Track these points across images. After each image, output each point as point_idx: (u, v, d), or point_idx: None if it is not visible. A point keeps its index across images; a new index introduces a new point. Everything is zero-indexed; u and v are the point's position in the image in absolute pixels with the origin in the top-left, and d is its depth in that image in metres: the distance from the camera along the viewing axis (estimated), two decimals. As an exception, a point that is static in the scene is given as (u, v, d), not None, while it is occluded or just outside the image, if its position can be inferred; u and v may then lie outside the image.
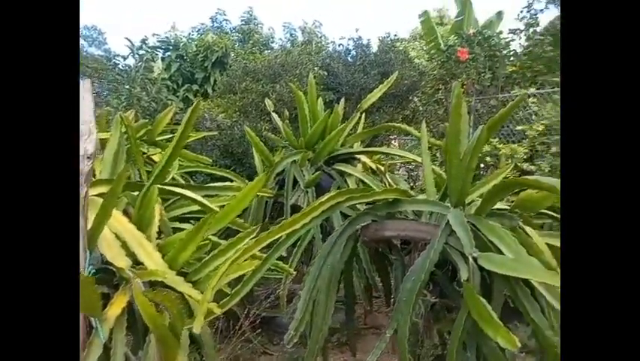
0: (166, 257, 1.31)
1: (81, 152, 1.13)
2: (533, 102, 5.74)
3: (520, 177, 2.19)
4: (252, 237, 1.53)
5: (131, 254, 1.29)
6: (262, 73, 5.47)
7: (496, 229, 1.41)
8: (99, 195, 1.67)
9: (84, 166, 1.11)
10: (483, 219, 1.47)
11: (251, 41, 8.34)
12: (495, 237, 1.38)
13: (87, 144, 1.12)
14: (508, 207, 1.65)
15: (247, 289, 1.31)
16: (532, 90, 5.98)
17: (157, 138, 3.66)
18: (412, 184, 4.42)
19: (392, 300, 1.82)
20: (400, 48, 6.56)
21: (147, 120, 3.68)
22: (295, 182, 2.83)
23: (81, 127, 1.15)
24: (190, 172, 3.24)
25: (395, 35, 6.63)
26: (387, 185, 2.76)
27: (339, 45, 6.42)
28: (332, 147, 2.77)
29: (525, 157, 5.18)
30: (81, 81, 1.19)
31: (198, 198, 2.01)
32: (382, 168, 2.89)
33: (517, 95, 5.95)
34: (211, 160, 4.77)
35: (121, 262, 1.24)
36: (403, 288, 1.41)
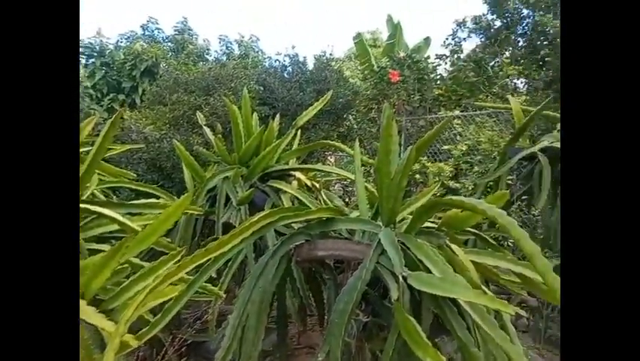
0: (75, 286, 1.18)
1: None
2: (458, 124, 6.16)
3: (446, 195, 2.31)
4: (176, 260, 1.43)
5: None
6: (195, 85, 5.31)
7: (424, 248, 1.46)
8: None
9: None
10: (412, 238, 1.51)
11: (185, 52, 8.08)
12: (423, 255, 1.43)
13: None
14: (435, 226, 1.72)
15: (168, 318, 1.21)
16: (457, 112, 6.43)
17: (74, 151, 3.37)
18: (347, 200, 4.50)
19: (326, 319, 1.80)
20: (335, 67, 6.74)
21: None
22: (228, 199, 2.73)
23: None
24: (113, 187, 3.01)
25: (330, 54, 6.81)
26: (322, 202, 2.77)
27: (275, 61, 6.45)
28: (266, 163, 2.73)
29: (451, 175, 5.52)
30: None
31: (118, 216, 1.86)
32: (317, 185, 2.90)
33: (444, 117, 6.36)
34: (136, 175, 4.51)
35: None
36: (336, 309, 1.39)
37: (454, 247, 1.63)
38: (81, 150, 3.55)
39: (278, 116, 3.19)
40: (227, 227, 2.74)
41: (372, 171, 5.27)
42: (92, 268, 1.21)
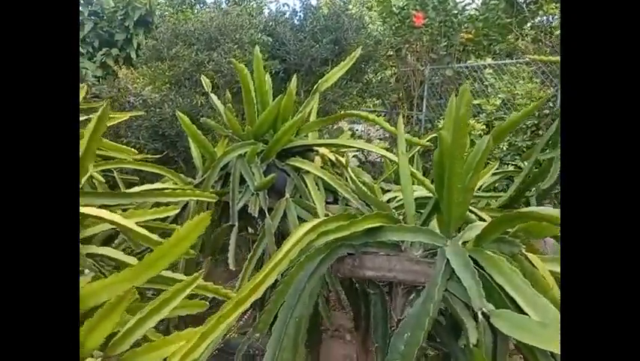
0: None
1: None
2: (490, 73, 5.68)
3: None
4: (195, 277, 1.18)
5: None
6: (195, 37, 4.85)
7: (504, 269, 1.18)
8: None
9: None
10: (488, 255, 1.23)
11: (180, -4, 7.47)
12: (505, 280, 1.16)
13: None
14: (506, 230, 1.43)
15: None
16: (489, 61, 5.92)
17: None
18: (372, 174, 4.20)
19: (370, 340, 1.58)
20: (354, 12, 6.16)
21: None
22: (243, 180, 2.46)
23: None
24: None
25: (346, -3, 6.21)
26: (349, 179, 2.48)
27: (283, 5, 5.88)
28: (287, 139, 2.41)
29: (482, 133, 5.14)
30: None
31: (115, 218, 1.61)
32: (343, 160, 2.59)
33: (474, 65, 5.86)
34: (138, 144, 4.22)
35: None
36: (394, 349, 1.15)
37: (530, 256, 1.36)
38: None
39: (294, 78, 2.83)
40: (244, 215, 2.49)
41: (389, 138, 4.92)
42: (86, 325, 0.96)
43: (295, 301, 1.24)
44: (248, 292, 0.95)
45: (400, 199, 2.12)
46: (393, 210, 1.50)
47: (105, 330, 0.98)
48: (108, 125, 3.47)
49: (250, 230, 2.83)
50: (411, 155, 2.82)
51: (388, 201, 2.20)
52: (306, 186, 2.38)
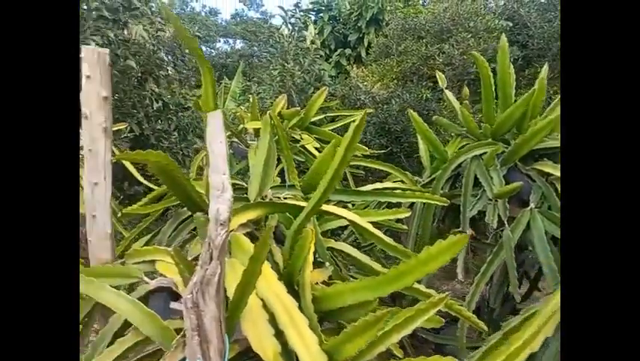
0: (326, 344, 1.01)
1: (212, 213, 0.87)
2: None
3: None
4: (442, 298, 1.12)
5: (279, 333, 1.02)
6: (426, 30, 4.81)
7: None
8: (247, 233, 1.46)
9: (217, 235, 0.85)
10: None
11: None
12: None
13: (220, 204, 0.85)
14: None
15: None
16: None
17: (309, 123, 3.49)
18: None
19: None
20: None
21: (298, 109, 3.52)
22: (476, 182, 2.28)
23: (212, 178, 0.88)
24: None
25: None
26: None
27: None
28: (538, 140, 2.10)
29: None
30: (213, 113, 0.92)
31: (354, 217, 1.70)
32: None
33: None
34: (365, 139, 4.48)
35: (267, 349, 0.98)
36: None
37: None
38: (314, 118, 3.66)
39: (546, 67, 2.45)
40: (477, 224, 2.32)
41: None
42: (342, 336, 1.01)
43: None
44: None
45: None
46: None
47: (358, 345, 1.01)
48: (343, 123, 3.77)
49: (477, 236, 2.63)
50: None
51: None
52: (557, 195, 2.03)
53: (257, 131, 3.54)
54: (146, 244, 1.97)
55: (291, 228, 1.40)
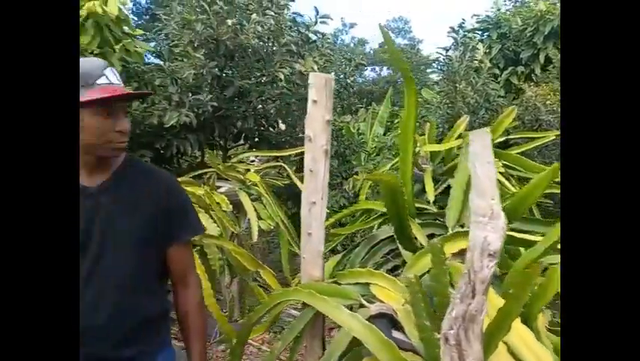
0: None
1: (476, 241, 0.79)
2: None
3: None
4: None
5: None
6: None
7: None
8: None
9: (482, 267, 0.77)
10: None
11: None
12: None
13: (490, 232, 0.77)
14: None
15: None
16: None
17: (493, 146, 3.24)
18: None
19: None
20: None
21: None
22: None
23: (476, 203, 0.81)
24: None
25: None
26: None
27: None
28: None
29: None
30: (478, 132, 0.86)
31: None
32: None
33: None
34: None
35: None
36: None
37: None
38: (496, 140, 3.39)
39: None
40: None
41: None
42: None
43: None
44: None
45: None
46: None
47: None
48: (531, 146, 3.42)
49: None
50: None
51: None
52: None
53: (432, 155, 3.44)
54: (337, 264, 2.01)
55: (518, 262, 1.25)
